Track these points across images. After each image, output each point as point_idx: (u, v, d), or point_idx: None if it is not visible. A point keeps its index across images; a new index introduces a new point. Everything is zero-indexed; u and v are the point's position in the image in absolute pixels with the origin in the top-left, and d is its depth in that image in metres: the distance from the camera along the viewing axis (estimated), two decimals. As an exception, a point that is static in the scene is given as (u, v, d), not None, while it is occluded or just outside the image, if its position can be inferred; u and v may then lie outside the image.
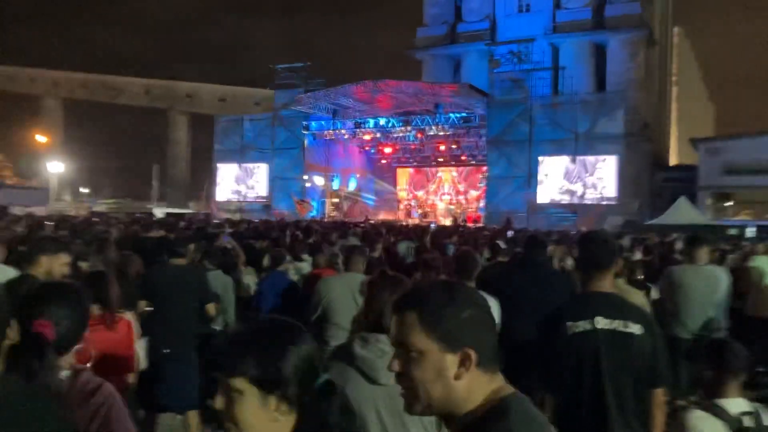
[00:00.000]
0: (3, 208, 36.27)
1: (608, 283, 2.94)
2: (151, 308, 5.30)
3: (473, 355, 1.41)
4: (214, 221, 21.30)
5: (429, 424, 2.45)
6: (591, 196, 29.56)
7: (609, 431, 2.71)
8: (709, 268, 6.03)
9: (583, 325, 2.79)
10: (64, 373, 1.98)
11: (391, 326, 1.51)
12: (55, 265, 4.02)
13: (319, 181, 36.92)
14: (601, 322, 2.78)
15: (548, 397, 2.88)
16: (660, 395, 2.90)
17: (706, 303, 5.85)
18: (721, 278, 5.98)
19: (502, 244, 8.21)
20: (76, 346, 2.12)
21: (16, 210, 32.22)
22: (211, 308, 5.65)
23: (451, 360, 1.42)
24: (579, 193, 29.62)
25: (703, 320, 5.83)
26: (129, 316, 4.31)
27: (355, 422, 2.36)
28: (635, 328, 2.78)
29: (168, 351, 5.20)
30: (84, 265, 4.57)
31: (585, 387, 2.75)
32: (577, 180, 29.60)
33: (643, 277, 6.82)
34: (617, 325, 2.78)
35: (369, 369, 2.40)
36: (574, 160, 29.58)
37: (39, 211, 33.93)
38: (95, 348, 4.00)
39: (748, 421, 2.77)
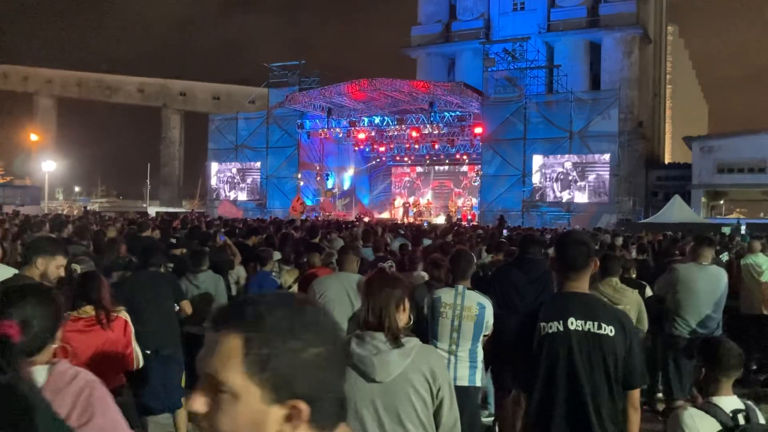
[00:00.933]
0: (-4, 207, 36.17)
1: (584, 284, 2.94)
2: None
3: (305, 409, 1.04)
4: (207, 220, 21.23)
5: (427, 421, 2.45)
6: (585, 195, 29.60)
7: (585, 431, 2.71)
8: (713, 268, 6.09)
9: (555, 326, 2.80)
10: (39, 368, 1.97)
11: (204, 346, 1.08)
12: (51, 267, 4.01)
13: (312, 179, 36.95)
14: (575, 323, 2.78)
15: (523, 396, 2.90)
16: (635, 396, 2.90)
17: (707, 302, 5.92)
18: (723, 278, 6.04)
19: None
20: (51, 346, 2.10)
21: (8, 209, 32.09)
22: (186, 305, 5.62)
23: (275, 413, 1.04)
24: (573, 191, 29.66)
25: (703, 319, 5.89)
26: (124, 315, 4.29)
27: None
28: (608, 330, 2.77)
29: (149, 352, 5.17)
30: (77, 267, 4.54)
31: (559, 387, 2.76)
32: (571, 178, 29.64)
33: (635, 275, 6.83)
34: (590, 326, 2.78)
35: (365, 366, 2.41)
36: (568, 159, 29.62)
37: (32, 209, 33.80)
38: (91, 348, 4.01)
39: (741, 419, 2.79)
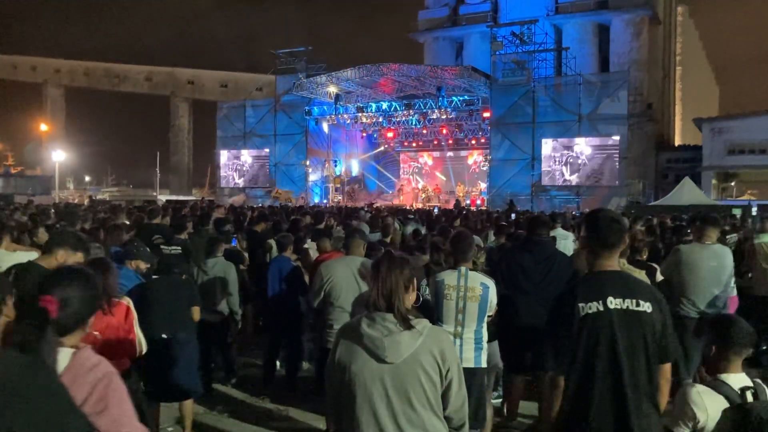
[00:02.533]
0: (8, 197, 36.44)
1: (615, 262, 2.93)
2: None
3: None
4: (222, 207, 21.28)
5: (435, 402, 2.46)
6: (595, 178, 29.44)
7: (624, 411, 2.71)
8: (717, 247, 6.06)
9: (595, 306, 2.78)
10: (64, 350, 2.01)
11: None
12: (69, 262, 4.05)
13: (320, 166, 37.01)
14: (614, 302, 2.78)
15: (560, 379, 2.88)
16: (667, 370, 2.91)
17: (713, 281, 5.90)
18: (727, 257, 6.00)
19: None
20: (82, 330, 2.16)
21: (21, 198, 32.33)
22: (195, 312, 5.63)
23: None
24: (582, 174, 29.50)
25: (710, 298, 5.87)
26: (126, 300, 4.32)
27: None
28: (646, 306, 2.78)
29: (165, 336, 5.19)
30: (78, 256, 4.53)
31: (599, 368, 2.75)
32: (580, 162, 29.47)
33: (645, 257, 6.80)
34: (629, 304, 2.78)
35: (375, 347, 2.42)
36: (577, 142, 29.44)
37: (44, 199, 34.01)
38: (91, 333, 4.04)
39: (749, 396, 2.77)
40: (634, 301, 2.77)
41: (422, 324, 2.48)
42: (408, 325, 2.44)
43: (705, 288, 5.88)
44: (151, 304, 5.04)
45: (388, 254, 2.68)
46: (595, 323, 2.77)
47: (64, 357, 2.00)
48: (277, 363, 7.31)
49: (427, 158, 41.23)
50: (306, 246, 8.20)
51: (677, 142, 53.91)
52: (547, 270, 5.14)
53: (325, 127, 36.93)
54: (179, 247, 7.74)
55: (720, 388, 2.83)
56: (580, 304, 2.80)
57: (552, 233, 7.01)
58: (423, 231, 10.55)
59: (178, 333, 5.27)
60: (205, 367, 6.94)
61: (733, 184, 43.61)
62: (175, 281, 5.67)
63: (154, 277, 5.68)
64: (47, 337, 1.79)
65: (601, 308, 2.77)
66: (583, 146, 29.40)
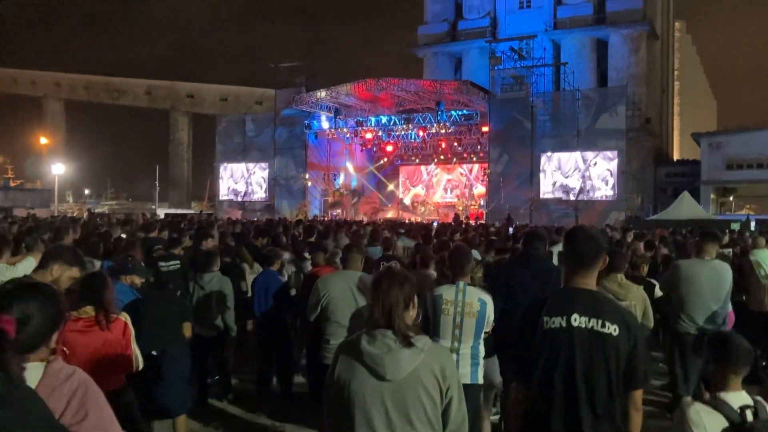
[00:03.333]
0: (7, 210, 36.43)
1: (591, 281, 2.87)
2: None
3: None
4: (218, 221, 21.28)
5: (435, 420, 2.44)
6: (593, 192, 29.46)
7: (579, 430, 2.67)
8: (716, 263, 6.02)
9: (558, 321, 2.72)
10: (34, 365, 1.98)
11: None
12: (64, 276, 4.01)
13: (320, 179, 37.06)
14: (578, 320, 2.72)
15: (521, 389, 2.85)
16: (637, 397, 2.83)
17: (712, 297, 5.85)
18: (727, 273, 5.96)
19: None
20: (46, 347, 2.10)
21: (19, 211, 32.30)
22: (187, 328, 5.59)
23: None
24: (581, 189, 29.52)
25: (709, 314, 5.83)
26: (124, 316, 4.29)
27: None
28: (612, 329, 2.69)
29: (155, 353, 5.15)
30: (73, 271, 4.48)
31: (557, 384, 2.70)
32: (579, 176, 29.50)
33: (645, 273, 6.77)
34: (594, 323, 2.71)
35: (375, 364, 2.40)
36: (576, 156, 29.48)
37: (42, 212, 33.98)
38: (89, 348, 4.02)
39: (749, 415, 2.74)
40: (599, 321, 2.69)
41: (423, 341, 2.46)
42: (408, 342, 2.42)
43: (704, 304, 5.83)
44: (142, 319, 5.00)
45: (389, 270, 2.66)
46: (555, 339, 2.71)
47: (35, 371, 1.98)
48: (274, 378, 7.27)
49: (426, 172, 41.25)
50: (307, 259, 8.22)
51: (676, 156, 54.07)
52: (544, 284, 5.11)
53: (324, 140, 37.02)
54: (177, 262, 7.71)
55: (719, 406, 2.79)
56: (545, 318, 2.74)
57: (558, 248, 6.99)
58: (405, 244, 10.57)
59: (169, 349, 5.23)
60: (201, 382, 6.90)
61: (731, 198, 43.67)
62: (168, 296, 5.65)
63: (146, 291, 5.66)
64: (6, 356, 1.72)
65: (564, 324, 2.71)
66: (582, 160, 29.44)
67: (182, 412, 5.43)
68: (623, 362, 2.69)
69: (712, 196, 39.18)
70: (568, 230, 3.09)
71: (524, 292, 5.11)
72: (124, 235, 10.62)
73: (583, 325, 2.71)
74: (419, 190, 41.02)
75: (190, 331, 5.65)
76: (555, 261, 7.01)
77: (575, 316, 2.72)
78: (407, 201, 39.29)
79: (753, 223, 23.95)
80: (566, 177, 29.66)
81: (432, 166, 40.41)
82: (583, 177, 29.45)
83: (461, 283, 4.45)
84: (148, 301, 5.45)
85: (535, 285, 5.14)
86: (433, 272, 6.26)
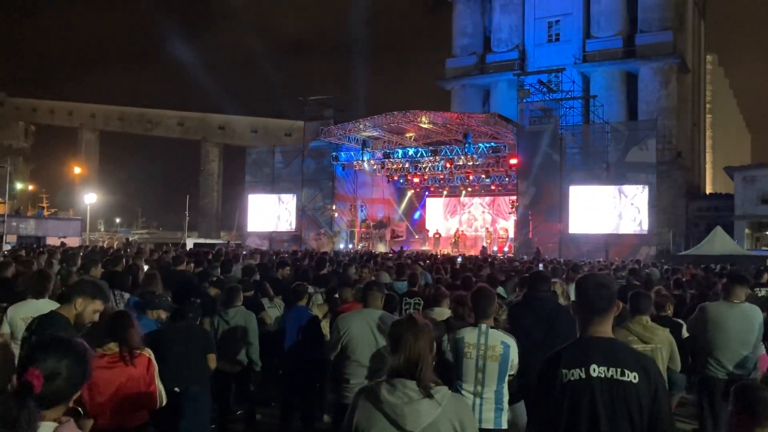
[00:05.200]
0: (40, 239, 37.12)
1: (607, 328, 2.83)
2: None
3: None
4: (243, 252, 21.42)
5: None
6: (623, 226, 29.04)
7: None
8: (746, 306, 5.85)
9: (578, 373, 2.68)
10: (45, 425, 1.96)
11: None
12: (88, 310, 4.09)
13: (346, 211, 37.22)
14: (597, 370, 2.67)
15: None
16: None
17: (741, 342, 5.68)
18: (756, 316, 5.79)
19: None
20: (65, 404, 2.11)
21: (52, 240, 32.89)
22: (212, 360, 5.59)
23: None
24: (611, 222, 29.13)
25: (738, 359, 5.65)
26: (148, 352, 4.31)
27: None
28: (632, 376, 2.65)
29: (177, 390, 5.15)
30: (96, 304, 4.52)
31: None
32: (609, 210, 29.13)
33: (671, 313, 6.59)
34: (613, 372, 2.66)
35: (395, 415, 2.39)
36: (605, 189, 29.17)
37: (74, 241, 34.58)
38: (114, 384, 4.04)
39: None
40: (619, 370, 2.65)
41: (442, 392, 2.46)
42: (428, 393, 2.41)
43: (733, 349, 5.66)
44: (164, 353, 5.01)
45: (411, 321, 2.64)
46: (576, 391, 2.66)
47: (45, 431, 1.96)
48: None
49: (454, 205, 41.17)
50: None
51: (708, 190, 53.25)
52: (549, 327, 4.99)
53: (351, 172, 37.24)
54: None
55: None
56: (563, 370, 2.70)
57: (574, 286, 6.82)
58: (426, 280, 10.43)
59: (191, 386, 5.22)
60: (223, 418, 6.86)
61: (767, 233, 42.74)
62: (190, 327, 5.65)
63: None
64: (27, 410, 1.75)
65: (584, 375, 2.67)
66: (612, 194, 29.11)
67: None
68: (646, 409, 2.63)
69: (747, 230, 38.40)
70: (578, 279, 3.05)
71: (528, 336, 4.99)
72: (146, 267, 10.72)
73: (603, 375, 2.67)
74: (446, 222, 40.90)
75: (215, 363, 5.66)
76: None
77: (594, 366, 2.68)
78: (433, 234, 39.13)
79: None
80: (596, 211, 29.31)
81: (460, 199, 40.33)
82: (612, 211, 29.09)
83: (483, 326, 4.38)
84: (168, 333, 5.46)
85: (539, 328, 5.03)
86: (446, 310, 6.19)
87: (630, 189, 28.90)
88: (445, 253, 31.03)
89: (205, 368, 5.54)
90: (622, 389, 2.64)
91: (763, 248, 38.39)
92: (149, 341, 5.07)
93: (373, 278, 9.22)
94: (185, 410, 5.16)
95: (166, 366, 4.93)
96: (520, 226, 31.52)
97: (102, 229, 67.65)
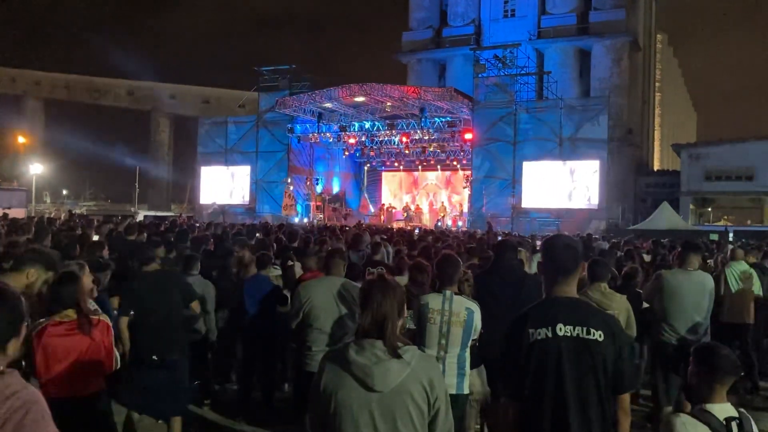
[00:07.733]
0: (-18, 210, 35.80)
1: (572, 288, 2.89)
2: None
3: None
4: (196, 224, 21.09)
5: (422, 430, 2.43)
6: (575, 201, 29.66)
7: None
8: (699, 273, 6.06)
9: (544, 332, 2.73)
10: None
11: None
12: (39, 281, 3.98)
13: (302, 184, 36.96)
14: (563, 329, 2.72)
15: (512, 404, 2.84)
16: (626, 400, 2.87)
17: (695, 308, 5.88)
18: (709, 284, 6.00)
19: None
20: (3, 353, 1.98)
21: (-4, 211, 31.72)
22: (195, 306, 5.62)
23: None
24: (563, 197, 29.70)
25: (691, 325, 5.85)
26: (105, 317, 4.24)
27: None
28: (597, 335, 2.71)
29: (156, 358, 5.14)
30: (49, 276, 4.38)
31: (547, 395, 2.70)
32: (560, 184, 29.69)
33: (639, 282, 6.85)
34: (579, 331, 2.72)
35: (364, 375, 2.38)
36: (558, 165, 29.67)
37: (19, 212, 33.49)
38: (73, 353, 3.96)
39: (734, 427, 2.74)
40: (584, 328, 2.71)
41: (411, 352, 2.44)
42: (396, 353, 2.40)
43: (687, 315, 5.86)
44: (144, 314, 5.02)
45: (381, 279, 2.63)
46: (543, 350, 2.72)
47: None
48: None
49: (408, 178, 41.27)
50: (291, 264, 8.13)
51: (656, 167, 54.62)
52: (517, 293, 5.07)
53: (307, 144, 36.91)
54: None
55: (705, 418, 2.79)
56: (530, 330, 2.75)
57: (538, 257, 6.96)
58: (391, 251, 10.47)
59: (168, 354, 5.24)
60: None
61: (710, 209, 44.19)
62: (167, 276, 5.66)
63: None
64: None
65: (550, 334, 2.72)
66: (563, 169, 29.65)
67: (178, 414, 5.41)
68: (610, 367, 2.70)
69: (691, 206, 39.60)
70: (545, 240, 3.10)
71: (496, 301, 5.08)
72: (96, 237, 10.47)
73: (569, 334, 2.72)
74: (402, 196, 41.02)
75: (199, 307, 5.70)
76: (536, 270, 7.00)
77: (560, 325, 2.73)
78: (388, 208, 39.21)
79: (731, 234, 24.25)
80: (548, 185, 29.82)
81: (415, 173, 40.45)
82: (564, 185, 29.64)
83: (448, 292, 4.41)
84: (145, 284, 5.43)
85: (507, 294, 5.11)
86: (404, 277, 6.22)
87: (581, 164, 29.47)
88: (400, 226, 31.16)
89: (183, 333, 5.57)
90: (587, 347, 2.70)
91: (705, 224, 39.71)
92: (125, 296, 5.04)
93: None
94: (161, 376, 5.18)
95: (143, 333, 4.96)
96: (473, 200, 31.83)
97: (48, 201, 65.62)
